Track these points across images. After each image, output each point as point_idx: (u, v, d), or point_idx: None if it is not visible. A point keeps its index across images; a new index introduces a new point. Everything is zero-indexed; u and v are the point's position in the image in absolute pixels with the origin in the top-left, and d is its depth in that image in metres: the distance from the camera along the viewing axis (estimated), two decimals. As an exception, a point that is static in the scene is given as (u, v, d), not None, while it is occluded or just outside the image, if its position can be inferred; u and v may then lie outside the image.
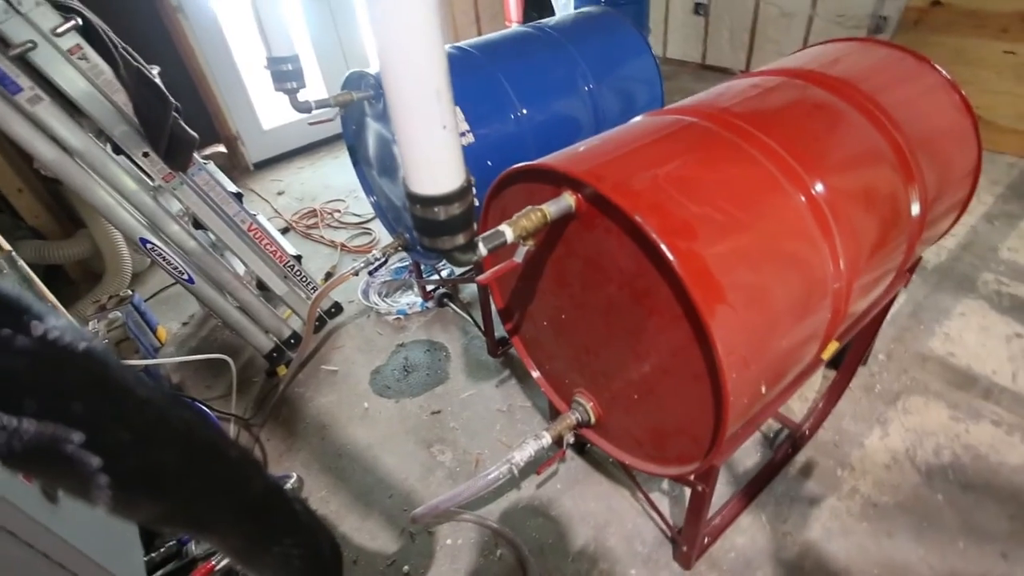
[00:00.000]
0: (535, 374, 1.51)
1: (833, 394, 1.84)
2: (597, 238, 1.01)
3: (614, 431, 1.31)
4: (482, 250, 0.87)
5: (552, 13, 3.99)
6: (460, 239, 0.82)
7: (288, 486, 1.76)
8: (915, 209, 1.23)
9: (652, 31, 4.73)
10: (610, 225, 0.96)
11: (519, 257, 1.00)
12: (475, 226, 0.85)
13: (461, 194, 0.76)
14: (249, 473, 0.39)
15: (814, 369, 1.27)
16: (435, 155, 0.71)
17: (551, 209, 0.96)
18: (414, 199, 0.76)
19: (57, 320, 0.28)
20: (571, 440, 1.33)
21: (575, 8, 3.74)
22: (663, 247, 0.85)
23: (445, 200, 0.75)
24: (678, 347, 0.95)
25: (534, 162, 1.06)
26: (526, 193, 1.14)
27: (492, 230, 0.91)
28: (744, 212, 0.98)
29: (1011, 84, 3.07)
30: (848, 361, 1.77)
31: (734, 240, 0.95)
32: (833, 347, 1.22)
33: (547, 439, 1.27)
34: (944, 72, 1.39)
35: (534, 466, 1.37)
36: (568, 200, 0.98)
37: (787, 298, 0.99)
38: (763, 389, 1.00)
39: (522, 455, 1.25)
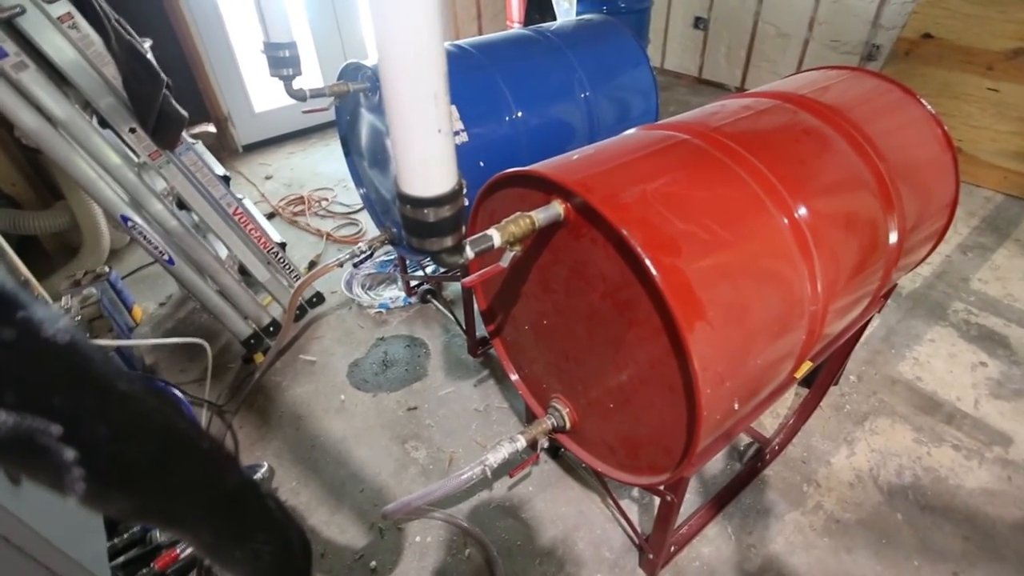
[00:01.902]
0: (514, 377, 1.52)
1: (804, 412, 1.88)
2: (583, 248, 1.02)
3: (588, 438, 1.32)
4: (469, 253, 0.88)
5: (554, 16, 4.00)
6: (448, 241, 0.82)
7: (258, 476, 1.74)
8: (893, 237, 1.27)
9: (651, 42, 4.77)
10: (597, 236, 0.97)
11: (505, 262, 1.00)
12: (464, 228, 0.85)
13: (452, 197, 0.76)
14: (224, 468, 0.39)
15: (787, 387, 1.30)
16: (428, 158, 0.71)
17: (540, 216, 0.97)
18: (405, 199, 0.76)
19: (41, 310, 0.28)
20: (545, 444, 1.34)
21: (577, 14, 3.76)
22: (647, 261, 0.86)
23: (436, 202, 0.75)
24: (656, 359, 0.97)
25: (526, 168, 1.07)
26: (516, 197, 1.15)
27: (480, 234, 0.91)
28: (728, 231, 1.00)
29: (992, 120, 3.16)
30: (820, 381, 1.82)
31: (717, 258, 0.97)
32: (807, 367, 1.25)
33: (522, 442, 1.28)
34: (929, 107, 1.43)
35: (507, 468, 1.37)
36: (557, 208, 0.99)
37: (765, 318, 1.01)
38: (736, 405, 1.02)
39: (496, 457, 1.25)
